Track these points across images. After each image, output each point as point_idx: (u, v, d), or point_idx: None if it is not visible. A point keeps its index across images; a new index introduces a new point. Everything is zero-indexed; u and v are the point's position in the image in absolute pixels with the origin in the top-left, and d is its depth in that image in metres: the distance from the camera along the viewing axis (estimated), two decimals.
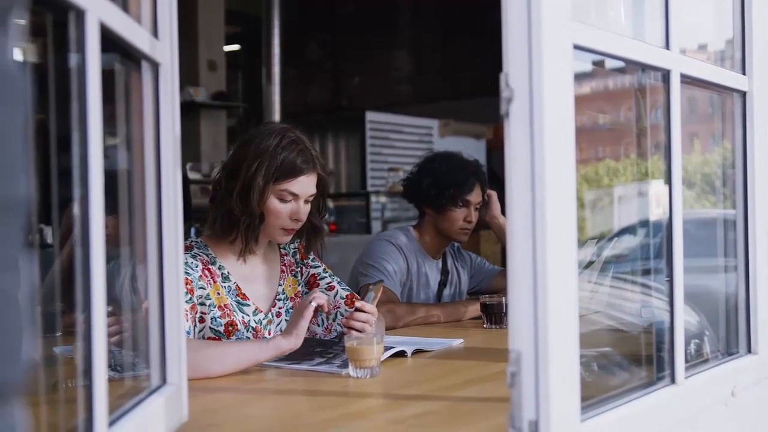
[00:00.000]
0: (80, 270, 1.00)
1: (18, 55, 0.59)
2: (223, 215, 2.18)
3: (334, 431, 1.47)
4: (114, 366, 1.37)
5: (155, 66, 1.34)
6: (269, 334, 2.24)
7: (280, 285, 2.33)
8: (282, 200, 2.17)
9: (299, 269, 2.40)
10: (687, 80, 1.57)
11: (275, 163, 2.14)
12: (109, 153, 1.13)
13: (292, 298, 2.35)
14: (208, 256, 2.20)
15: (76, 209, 1.01)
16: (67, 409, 1.17)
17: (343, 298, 2.34)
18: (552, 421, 1.15)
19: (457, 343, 2.34)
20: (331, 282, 2.40)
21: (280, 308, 2.31)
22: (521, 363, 1.16)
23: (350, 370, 1.86)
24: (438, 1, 9.52)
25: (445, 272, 3.13)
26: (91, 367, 1.00)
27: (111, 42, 1.12)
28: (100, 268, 1.01)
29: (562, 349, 1.18)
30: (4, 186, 0.56)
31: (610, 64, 1.53)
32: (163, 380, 1.36)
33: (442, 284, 3.11)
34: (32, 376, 0.61)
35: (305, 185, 2.19)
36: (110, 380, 1.06)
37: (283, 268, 2.36)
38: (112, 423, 1.09)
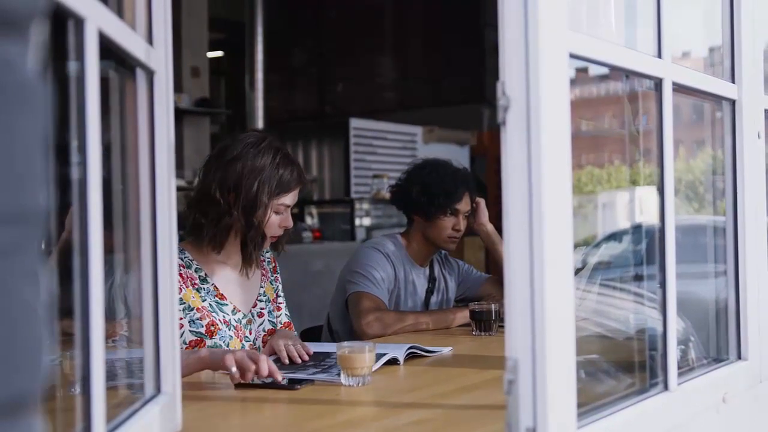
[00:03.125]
0: (78, 278, 1.00)
1: (38, 64, 0.59)
2: (224, 229, 2.24)
3: None
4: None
5: (150, 74, 1.33)
6: (250, 333, 2.32)
7: (262, 287, 2.41)
8: (277, 213, 2.28)
9: (274, 278, 2.50)
10: (677, 88, 1.58)
11: (275, 180, 2.24)
12: (103, 160, 1.12)
13: (273, 300, 2.43)
14: (183, 259, 2.25)
15: (74, 217, 1.00)
16: (62, 418, 1.16)
17: (281, 324, 2.43)
18: (549, 428, 1.15)
19: (447, 350, 2.34)
20: (281, 304, 2.50)
21: (262, 309, 2.38)
22: (518, 370, 1.16)
23: (342, 378, 1.86)
24: (422, 8, 9.54)
25: (432, 280, 3.13)
26: (89, 377, 1.00)
27: (106, 49, 1.11)
28: (98, 276, 1.01)
29: (560, 356, 1.18)
30: (25, 196, 0.56)
31: (593, 70, 1.54)
32: (158, 389, 1.36)
33: (430, 292, 3.11)
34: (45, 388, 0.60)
35: (296, 196, 2.32)
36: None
37: (263, 272, 2.44)
38: None
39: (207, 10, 7.66)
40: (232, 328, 2.26)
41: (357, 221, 7.43)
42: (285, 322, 2.46)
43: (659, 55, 1.51)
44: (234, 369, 1.80)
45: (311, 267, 5.87)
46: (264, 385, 1.85)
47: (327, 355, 2.18)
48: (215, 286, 2.27)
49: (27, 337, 0.56)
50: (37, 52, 0.59)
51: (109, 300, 1.48)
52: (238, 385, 1.87)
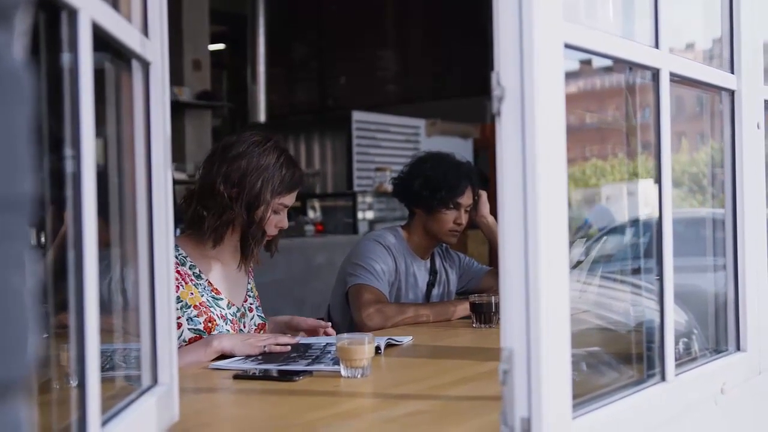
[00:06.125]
0: (73, 271, 1.00)
1: (23, 53, 0.59)
2: (225, 224, 2.27)
3: (326, 430, 1.47)
4: (103, 366, 1.36)
5: (146, 65, 1.33)
6: (244, 326, 2.36)
7: (249, 283, 2.46)
8: (276, 212, 2.31)
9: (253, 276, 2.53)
10: (676, 79, 1.58)
11: (279, 179, 2.28)
12: (99, 153, 1.12)
13: (257, 297, 2.48)
14: (177, 257, 2.26)
15: (68, 211, 1.00)
16: (58, 409, 1.17)
17: (256, 326, 2.44)
18: (544, 418, 1.15)
19: (407, 340, 2.35)
20: (256, 303, 2.50)
21: (251, 304, 2.43)
22: (513, 360, 1.17)
23: (341, 369, 1.86)
24: (424, 1, 9.53)
25: (433, 272, 3.13)
26: (84, 368, 1.00)
27: (101, 41, 1.11)
28: (93, 268, 1.01)
29: (554, 347, 1.18)
30: (11, 183, 0.56)
31: (597, 63, 1.54)
32: (155, 380, 1.36)
33: (431, 284, 3.11)
34: (33, 375, 0.61)
35: (294, 197, 2.36)
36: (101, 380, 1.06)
37: (250, 270, 2.48)
38: (104, 423, 1.08)
39: (208, 2, 7.65)
40: (228, 322, 2.29)
41: (359, 214, 7.43)
42: (259, 323, 2.46)
43: (656, 46, 1.51)
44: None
45: (313, 260, 5.88)
46: (262, 377, 1.86)
47: (308, 346, 2.19)
48: (209, 281, 2.30)
49: (13, 323, 0.56)
50: (22, 41, 0.59)
51: (108, 294, 1.49)
52: (237, 377, 1.87)
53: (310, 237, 6.63)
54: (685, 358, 1.71)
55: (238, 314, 2.35)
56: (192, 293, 2.24)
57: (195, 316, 2.22)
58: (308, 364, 1.97)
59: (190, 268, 2.28)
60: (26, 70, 0.58)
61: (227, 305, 2.31)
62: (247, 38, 8.42)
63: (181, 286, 2.22)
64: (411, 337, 2.40)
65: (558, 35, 1.21)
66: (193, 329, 2.21)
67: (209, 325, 2.23)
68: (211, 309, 2.25)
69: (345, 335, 1.95)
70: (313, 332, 2.41)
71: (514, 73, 1.16)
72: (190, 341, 2.19)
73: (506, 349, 1.17)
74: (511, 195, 1.17)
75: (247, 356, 2.08)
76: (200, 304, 2.24)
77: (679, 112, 1.95)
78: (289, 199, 2.33)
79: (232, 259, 2.37)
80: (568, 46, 1.24)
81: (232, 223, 2.28)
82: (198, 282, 2.27)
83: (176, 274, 2.21)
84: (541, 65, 1.16)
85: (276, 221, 2.32)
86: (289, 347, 2.14)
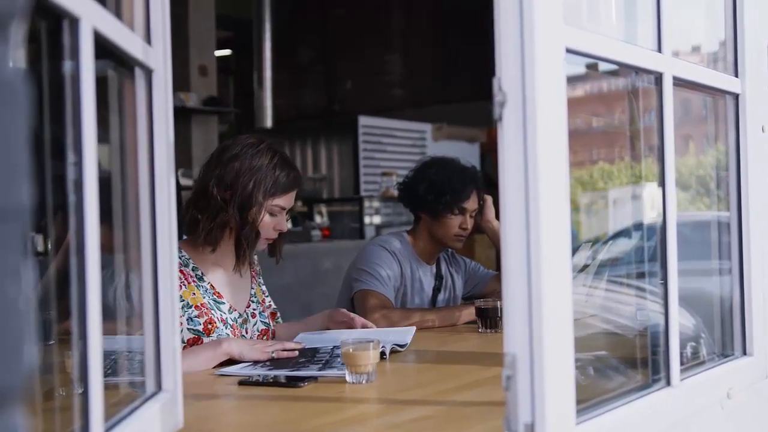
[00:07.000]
0: (75, 278, 1.00)
1: (19, 63, 0.59)
2: (220, 226, 2.26)
3: None
4: (107, 372, 1.36)
5: (148, 72, 1.34)
6: (246, 332, 2.36)
7: (252, 288, 2.45)
8: (271, 214, 2.31)
9: (260, 279, 2.53)
10: (679, 83, 1.57)
11: (271, 180, 2.27)
12: (101, 160, 1.13)
13: (261, 302, 2.47)
14: (180, 258, 2.27)
15: (70, 217, 1.00)
16: (62, 416, 1.17)
17: (258, 331, 2.44)
18: (547, 423, 1.15)
19: (410, 334, 2.37)
20: (269, 303, 2.53)
21: (254, 310, 2.43)
22: (517, 366, 1.16)
23: (346, 375, 1.86)
24: (430, 4, 9.53)
25: (439, 277, 3.13)
26: (86, 376, 1.00)
27: (104, 48, 1.12)
28: (95, 275, 1.01)
29: (558, 352, 1.18)
30: (7, 193, 0.56)
31: (603, 66, 1.54)
32: (159, 387, 1.36)
33: (437, 289, 3.11)
34: (30, 384, 0.61)
35: (292, 199, 2.35)
36: (105, 386, 1.06)
37: (254, 274, 2.48)
38: (107, 430, 1.09)
39: (214, 8, 7.65)
40: (228, 326, 2.29)
41: (366, 219, 7.43)
42: (272, 313, 2.50)
43: (659, 50, 1.51)
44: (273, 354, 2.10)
45: (320, 265, 5.88)
46: (267, 383, 1.86)
47: (316, 350, 2.19)
48: (212, 284, 2.31)
49: (9, 332, 0.56)
50: (18, 51, 0.59)
51: (114, 302, 1.49)
52: (241, 383, 1.87)
53: (317, 242, 6.63)
54: (692, 363, 1.71)
55: (240, 320, 2.35)
56: (194, 293, 2.25)
57: (195, 317, 2.22)
58: (319, 369, 1.96)
59: (192, 270, 2.29)
60: (23, 79, 0.58)
61: (229, 310, 2.32)
62: (253, 43, 8.42)
63: (184, 285, 2.23)
64: (414, 328, 2.42)
65: (559, 39, 1.21)
66: (193, 330, 2.21)
67: (209, 326, 2.23)
68: (212, 311, 2.26)
69: (350, 340, 1.95)
70: (350, 325, 2.43)
71: (516, 78, 1.16)
72: (189, 342, 2.19)
73: (509, 355, 1.17)
74: (513, 200, 1.17)
75: (256, 362, 2.08)
76: (201, 305, 2.25)
77: (686, 115, 1.94)
78: (285, 201, 2.31)
79: (232, 264, 2.37)
80: (569, 50, 1.24)
81: (227, 226, 2.27)
82: (200, 284, 2.28)
83: (179, 274, 2.22)
84: (542, 70, 1.16)
85: (274, 224, 2.31)
86: (297, 353, 2.14)
